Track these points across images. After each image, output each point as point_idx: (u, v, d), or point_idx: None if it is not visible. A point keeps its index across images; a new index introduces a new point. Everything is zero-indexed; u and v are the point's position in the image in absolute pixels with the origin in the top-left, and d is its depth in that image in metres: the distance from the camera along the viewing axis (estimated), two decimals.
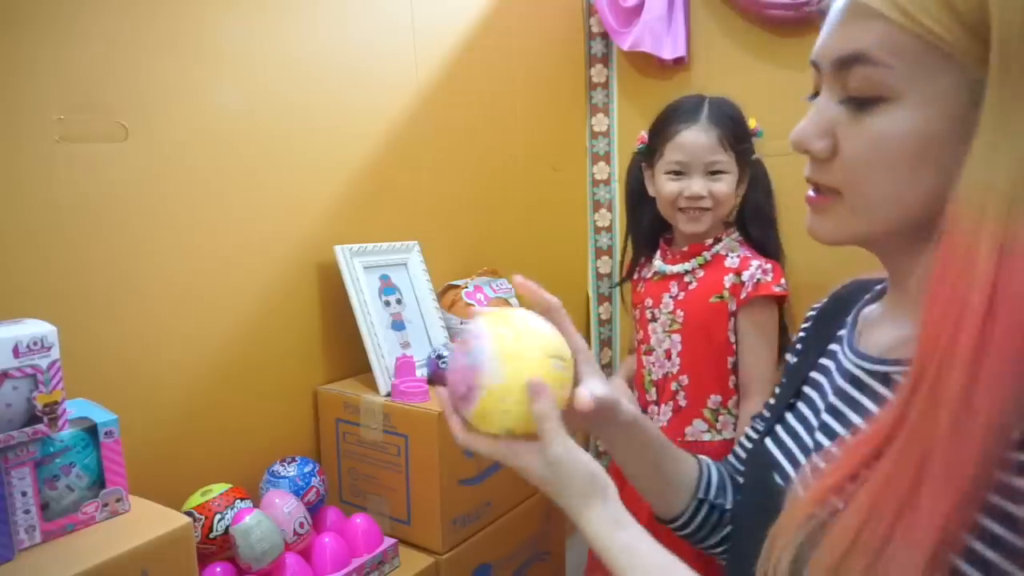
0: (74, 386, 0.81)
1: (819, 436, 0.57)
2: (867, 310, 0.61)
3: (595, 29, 2.09)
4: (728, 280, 1.27)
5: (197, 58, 1.12)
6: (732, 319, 1.28)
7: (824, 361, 0.63)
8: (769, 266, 1.27)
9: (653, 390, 1.39)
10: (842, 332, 0.62)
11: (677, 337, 1.32)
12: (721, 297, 1.27)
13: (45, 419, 0.74)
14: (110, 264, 1.03)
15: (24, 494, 0.73)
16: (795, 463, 0.57)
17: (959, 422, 0.38)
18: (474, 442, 0.56)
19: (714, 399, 1.31)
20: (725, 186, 1.27)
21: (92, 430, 0.79)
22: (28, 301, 0.92)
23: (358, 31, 1.40)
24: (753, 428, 0.73)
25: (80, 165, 0.98)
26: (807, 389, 0.63)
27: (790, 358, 0.72)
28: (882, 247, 0.53)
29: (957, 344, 0.39)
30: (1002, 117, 0.41)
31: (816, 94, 0.52)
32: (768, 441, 0.63)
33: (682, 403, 1.33)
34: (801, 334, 0.72)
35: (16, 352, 0.71)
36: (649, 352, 1.39)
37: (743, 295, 1.26)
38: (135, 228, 1.05)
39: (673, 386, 1.34)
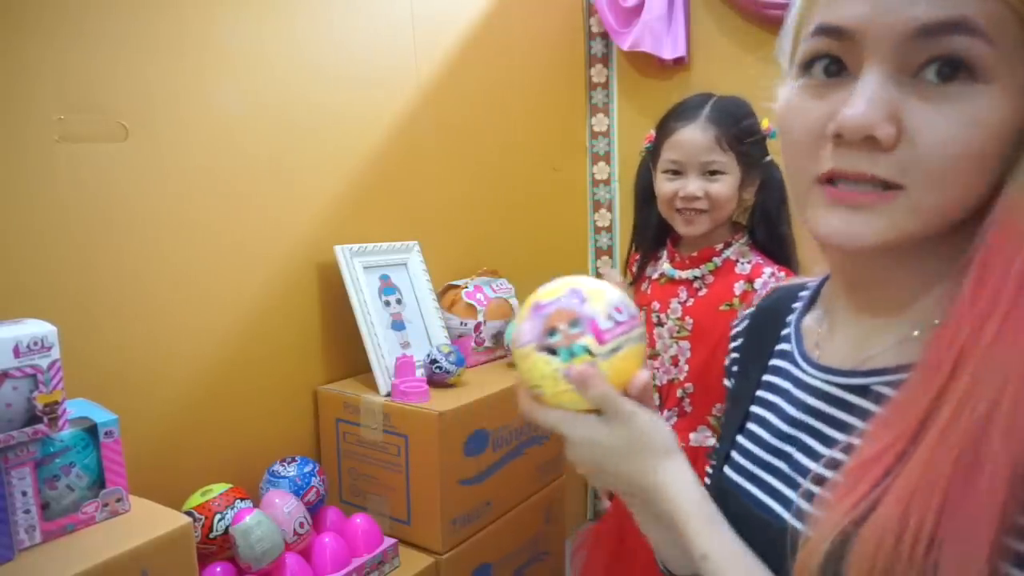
0: (74, 386, 0.81)
1: (796, 455, 0.53)
2: (808, 320, 0.58)
3: (595, 29, 2.09)
4: (739, 287, 1.25)
5: (197, 58, 1.12)
6: None
7: (771, 379, 0.60)
8: (783, 274, 1.24)
9: (657, 395, 1.38)
10: (785, 346, 0.59)
11: (686, 344, 1.30)
12: (731, 305, 1.25)
13: (45, 419, 0.74)
14: (110, 264, 1.03)
15: (24, 494, 0.73)
16: (759, 483, 0.55)
17: (1003, 414, 0.36)
18: (541, 413, 0.54)
19: (719, 407, 1.30)
20: (722, 187, 1.24)
21: (92, 430, 0.79)
22: (28, 301, 0.93)
23: (358, 32, 1.40)
24: (709, 464, 0.69)
25: (80, 165, 0.98)
26: (756, 409, 0.60)
27: (727, 383, 0.68)
28: (906, 252, 0.45)
29: (1001, 341, 0.37)
30: None
31: (834, 68, 0.44)
32: (727, 469, 0.60)
33: (688, 409, 1.32)
34: (733, 355, 0.68)
35: (16, 352, 0.71)
36: (654, 357, 1.37)
37: (755, 302, 1.24)
38: (135, 228, 1.05)
39: (679, 392, 1.32)
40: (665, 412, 1.36)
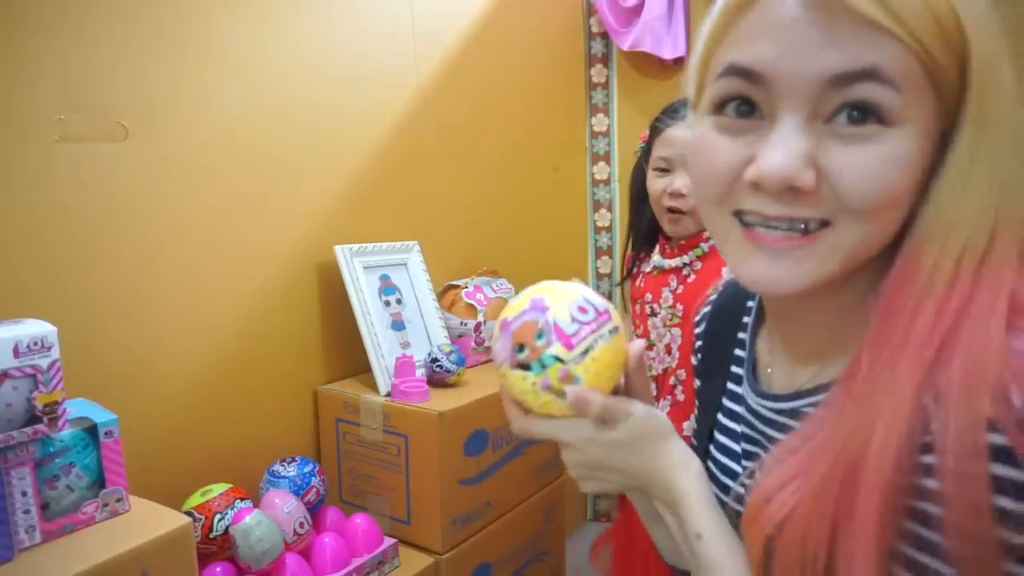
0: (74, 386, 0.81)
1: (743, 469, 0.57)
2: (760, 342, 0.60)
3: (595, 29, 2.09)
4: (726, 271, 1.27)
5: (197, 59, 1.12)
6: None
7: (732, 387, 0.61)
8: None
9: (652, 385, 1.39)
10: (739, 370, 0.61)
11: (677, 331, 1.33)
12: (718, 289, 1.27)
13: (45, 419, 0.74)
14: (110, 264, 1.03)
15: (24, 494, 0.73)
16: (728, 493, 0.56)
17: (874, 447, 0.40)
18: (533, 427, 0.54)
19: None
20: None
21: (92, 430, 0.79)
22: (28, 301, 0.93)
23: (358, 32, 1.40)
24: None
25: (80, 165, 0.98)
26: (722, 418, 0.62)
27: (697, 382, 0.70)
28: (824, 288, 0.46)
29: (895, 369, 0.40)
30: (974, 152, 0.41)
31: (746, 108, 0.44)
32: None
33: (680, 397, 1.33)
34: (699, 354, 0.69)
35: (16, 352, 0.71)
36: (649, 347, 1.39)
37: (709, 292, 1.26)
38: (135, 228, 1.05)
39: (672, 380, 1.34)
40: (660, 402, 1.37)
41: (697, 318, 0.71)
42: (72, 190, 0.98)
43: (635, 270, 1.48)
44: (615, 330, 0.53)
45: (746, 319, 0.62)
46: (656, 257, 1.40)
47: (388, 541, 1.16)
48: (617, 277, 2.16)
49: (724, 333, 0.64)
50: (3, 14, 0.90)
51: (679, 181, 1.26)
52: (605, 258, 2.19)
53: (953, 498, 0.37)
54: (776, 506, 0.43)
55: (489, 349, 1.51)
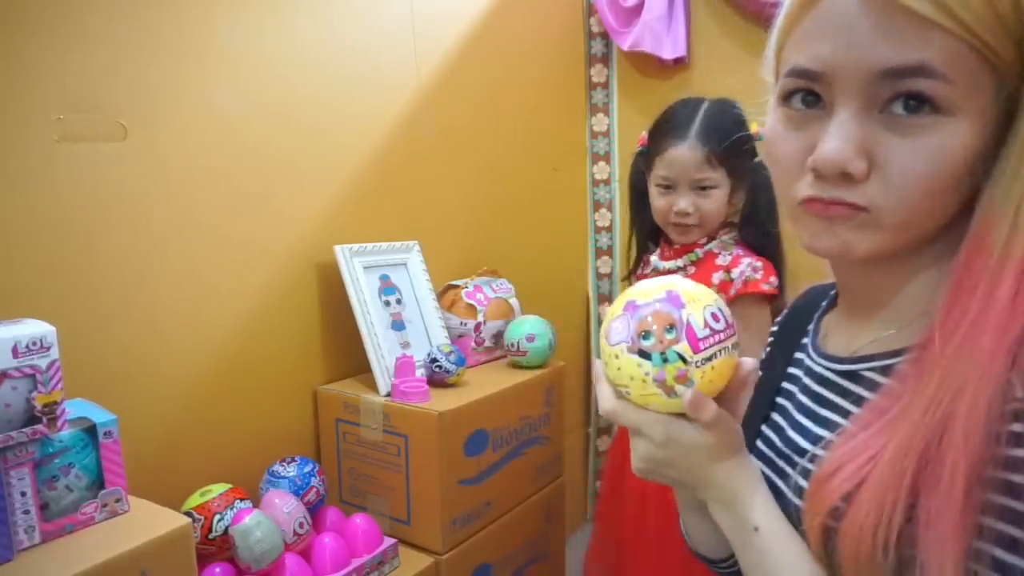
0: (74, 386, 0.81)
1: (793, 435, 0.58)
2: (828, 316, 0.63)
3: (595, 29, 2.09)
4: (717, 277, 1.28)
5: (197, 58, 1.12)
6: None
7: (792, 370, 0.64)
8: (759, 264, 1.27)
9: None
10: (806, 340, 0.63)
11: None
12: None
13: (44, 419, 0.73)
14: (110, 264, 1.03)
15: (23, 494, 0.73)
16: (779, 472, 0.58)
17: (960, 416, 0.40)
18: (625, 412, 0.54)
19: None
20: (712, 203, 1.28)
21: (91, 430, 0.79)
22: (28, 301, 0.92)
23: (358, 31, 1.40)
24: None
25: (80, 165, 0.98)
26: (780, 400, 0.63)
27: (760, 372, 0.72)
28: (878, 260, 0.50)
29: (977, 341, 0.41)
30: None
31: (811, 98, 0.48)
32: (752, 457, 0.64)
33: None
34: (768, 348, 0.72)
35: (16, 352, 0.71)
36: None
37: (732, 292, 1.26)
38: (135, 228, 1.05)
39: None
40: None
41: (777, 319, 0.74)
42: (71, 190, 0.98)
43: (637, 271, 1.48)
44: (736, 345, 0.52)
45: (816, 314, 0.65)
46: (654, 259, 1.41)
47: (388, 541, 1.16)
48: (617, 277, 2.16)
49: (796, 325, 0.67)
50: (3, 14, 0.90)
51: (683, 202, 1.28)
52: (605, 258, 2.19)
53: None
54: (843, 478, 0.44)
55: (490, 349, 1.51)
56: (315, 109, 1.32)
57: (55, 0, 0.95)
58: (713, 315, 0.51)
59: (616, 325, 0.52)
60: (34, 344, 0.72)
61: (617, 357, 0.51)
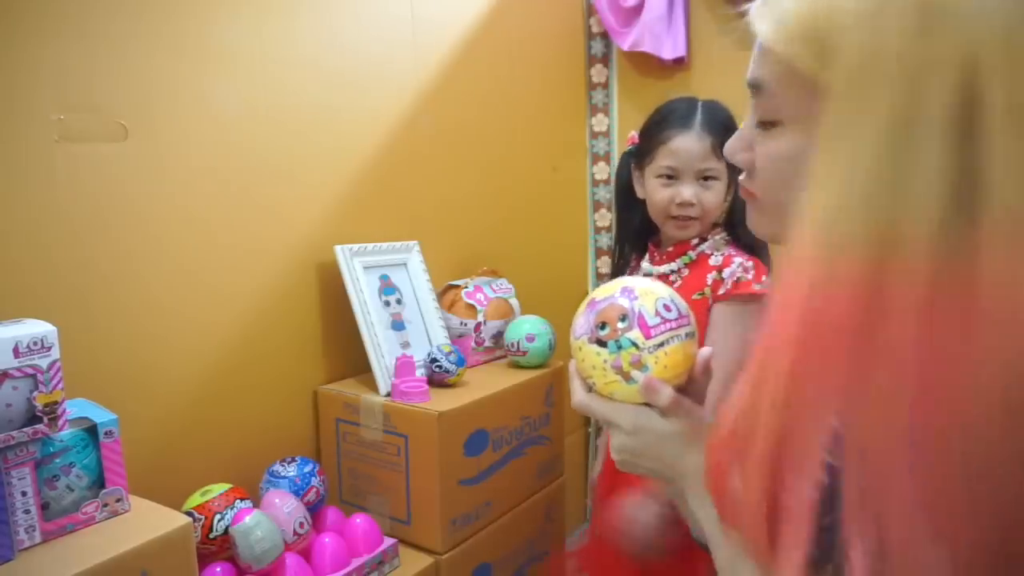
0: (74, 386, 0.81)
1: None
2: None
3: (595, 29, 2.09)
4: (710, 277, 1.28)
5: (197, 58, 1.12)
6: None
7: None
8: (751, 264, 1.27)
9: None
10: None
11: None
12: (703, 294, 1.28)
13: (45, 419, 0.74)
14: (110, 264, 1.03)
15: (24, 494, 0.73)
16: None
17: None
18: (593, 404, 0.59)
19: None
20: (714, 195, 1.28)
21: (92, 430, 0.79)
22: (28, 301, 0.92)
23: (358, 31, 1.40)
24: None
25: (80, 165, 0.98)
26: None
27: None
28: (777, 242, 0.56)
29: (776, 363, 0.43)
30: (831, 142, 0.43)
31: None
32: None
33: None
34: None
35: (16, 352, 0.71)
36: None
37: (721, 291, 1.26)
38: (135, 228, 1.05)
39: None
40: None
41: None
42: (72, 190, 0.98)
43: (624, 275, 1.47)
44: (691, 335, 0.57)
45: None
46: (645, 264, 1.40)
47: (388, 541, 1.16)
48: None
49: None
50: (2, 14, 0.90)
51: (687, 191, 1.27)
52: (605, 258, 2.19)
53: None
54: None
55: (490, 349, 1.51)
56: (315, 109, 1.32)
57: (55, 0, 0.95)
58: (665, 306, 0.56)
59: (579, 320, 0.58)
60: (35, 344, 0.72)
61: (580, 349, 0.58)
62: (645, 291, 0.57)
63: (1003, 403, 0.35)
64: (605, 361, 0.55)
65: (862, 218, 0.39)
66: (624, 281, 0.58)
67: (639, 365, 0.54)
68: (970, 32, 0.37)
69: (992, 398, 0.35)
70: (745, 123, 0.55)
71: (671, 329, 0.55)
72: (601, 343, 0.55)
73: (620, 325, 0.55)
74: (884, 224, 0.38)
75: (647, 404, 0.56)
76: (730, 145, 0.56)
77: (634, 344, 0.54)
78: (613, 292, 0.57)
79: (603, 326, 0.56)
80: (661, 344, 0.55)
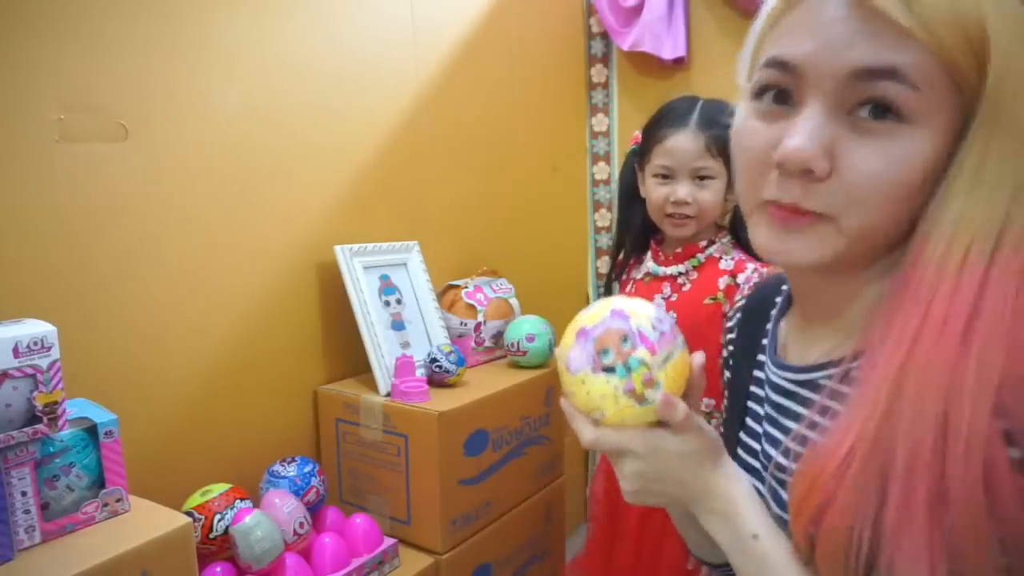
0: (74, 386, 0.81)
1: (765, 446, 0.59)
2: (783, 323, 0.63)
3: (595, 29, 2.09)
4: (723, 282, 1.27)
5: (197, 58, 1.12)
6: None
7: (757, 373, 0.64)
8: (765, 270, 1.27)
9: None
10: (765, 342, 0.64)
11: None
12: (715, 299, 1.27)
13: (45, 419, 0.74)
14: (110, 264, 1.03)
15: (24, 494, 0.73)
16: (761, 480, 0.58)
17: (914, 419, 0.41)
18: (604, 437, 0.54)
19: (707, 402, 1.30)
20: (710, 194, 1.27)
21: (92, 430, 0.79)
22: (28, 301, 0.92)
23: (358, 31, 1.40)
24: None
25: (80, 165, 0.98)
26: (751, 404, 0.64)
27: (726, 374, 0.72)
28: (833, 269, 0.50)
29: (932, 360, 0.41)
30: (986, 153, 0.42)
31: (782, 96, 0.48)
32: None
33: None
34: (729, 348, 0.72)
35: (16, 352, 0.71)
36: None
37: (738, 297, 1.26)
38: (135, 228, 1.05)
39: None
40: None
41: (729, 313, 0.74)
42: (72, 190, 0.98)
43: (624, 276, 1.47)
44: (684, 343, 0.55)
45: (774, 312, 0.65)
46: (649, 264, 1.39)
47: (388, 541, 1.16)
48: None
49: (754, 327, 0.67)
50: (2, 14, 0.90)
51: (682, 190, 1.26)
52: (605, 258, 2.18)
53: (966, 478, 0.38)
54: (816, 486, 0.45)
55: (490, 349, 1.51)
56: (315, 109, 1.32)
57: (55, 0, 0.95)
58: (657, 319, 0.54)
59: (574, 354, 0.54)
60: (35, 344, 0.72)
61: (584, 383, 0.53)
62: (634, 309, 0.54)
63: None
64: (616, 388, 0.52)
65: None
66: (607, 304, 0.55)
67: (651, 383, 0.52)
68: None
69: None
70: (809, 118, 0.45)
71: (670, 341, 0.53)
72: (608, 370, 0.52)
73: (624, 347, 0.52)
74: None
75: (657, 424, 0.53)
76: (804, 147, 0.44)
77: (643, 363, 0.51)
78: (603, 316, 0.54)
79: (605, 352, 0.52)
80: (667, 358, 0.52)
